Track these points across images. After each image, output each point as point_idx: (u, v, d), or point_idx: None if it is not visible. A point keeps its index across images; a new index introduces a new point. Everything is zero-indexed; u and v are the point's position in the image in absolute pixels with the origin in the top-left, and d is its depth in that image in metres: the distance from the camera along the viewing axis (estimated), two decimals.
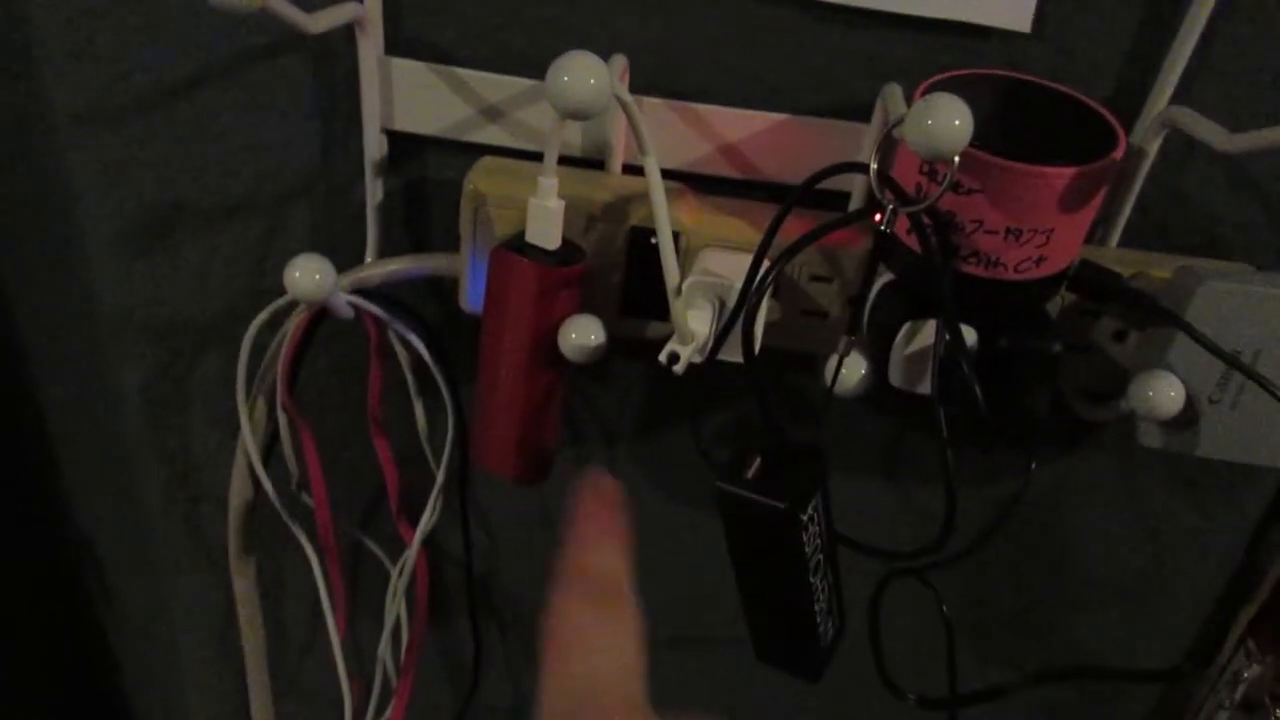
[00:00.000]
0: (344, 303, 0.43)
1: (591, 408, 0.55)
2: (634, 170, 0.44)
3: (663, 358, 0.35)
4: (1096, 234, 0.44)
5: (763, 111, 0.43)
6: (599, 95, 0.30)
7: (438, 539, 0.61)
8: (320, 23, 0.36)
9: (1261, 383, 0.37)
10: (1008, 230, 0.34)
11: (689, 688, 0.66)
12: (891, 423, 0.52)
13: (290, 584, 0.64)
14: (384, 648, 0.56)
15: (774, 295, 0.42)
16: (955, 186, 0.34)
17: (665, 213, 0.34)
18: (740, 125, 0.43)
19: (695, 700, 0.67)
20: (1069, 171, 0.33)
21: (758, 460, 0.36)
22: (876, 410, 0.52)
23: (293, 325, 0.45)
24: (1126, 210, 0.42)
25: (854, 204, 0.43)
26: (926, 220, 0.34)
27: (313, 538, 0.52)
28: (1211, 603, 0.65)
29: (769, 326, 0.42)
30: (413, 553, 0.51)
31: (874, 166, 0.33)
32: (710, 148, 0.43)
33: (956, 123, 0.29)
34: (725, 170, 0.44)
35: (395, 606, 0.55)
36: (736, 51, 0.42)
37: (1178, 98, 0.41)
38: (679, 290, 0.35)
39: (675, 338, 0.35)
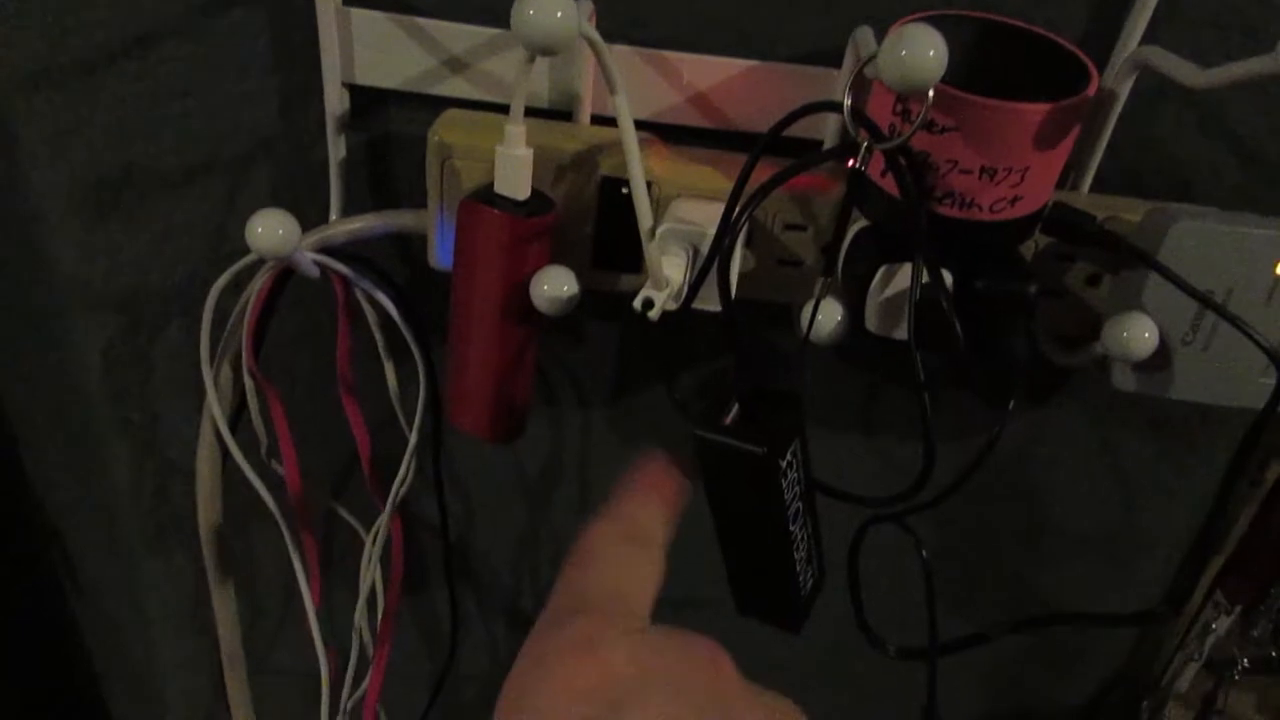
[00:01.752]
0: (309, 261, 0.42)
1: (565, 368, 0.54)
2: (603, 121, 0.43)
3: (637, 304, 0.35)
4: (1069, 179, 0.43)
5: (732, 58, 0.42)
6: (566, 28, 0.29)
7: (413, 506, 0.60)
8: None
9: (1234, 321, 0.37)
10: (982, 169, 0.34)
11: None
12: (869, 375, 0.52)
13: (262, 555, 0.63)
14: (360, 617, 0.55)
15: (748, 245, 0.41)
16: (930, 125, 0.34)
17: (637, 153, 0.33)
18: (710, 73, 0.42)
19: None
20: (1044, 108, 0.33)
21: (735, 406, 0.35)
22: (854, 362, 0.52)
23: (257, 287, 0.44)
24: (1098, 154, 0.42)
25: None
26: (902, 158, 0.33)
27: (284, 507, 0.51)
28: (1182, 553, 0.66)
29: (743, 277, 0.42)
30: (385, 519, 0.51)
31: (847, 103, 0.33)
32: (680, 97, 0.43)
33: (931, 53, 0.28)
34: (696, 119, 0.43)
35: (370, 575, 0.54)
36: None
37: (1146, 42, 0.40)
38: (653, 234, 0.34)
39: (649, 283, 0.35)
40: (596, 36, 0.32)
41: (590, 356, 0.53)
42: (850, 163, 0.34)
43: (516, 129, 0.36)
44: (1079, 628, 0.60)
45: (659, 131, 0.43)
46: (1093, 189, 0.44)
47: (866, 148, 0.33)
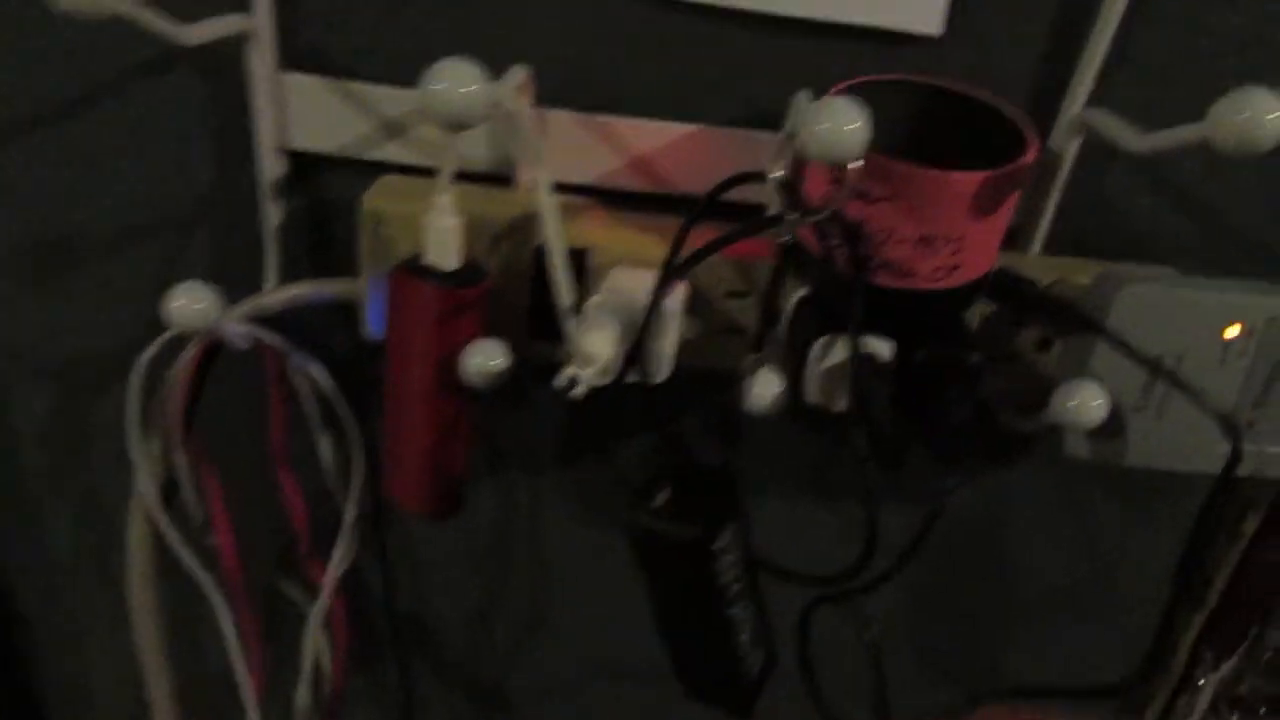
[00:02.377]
0: (236, 332, 0.41)
1: (515, 435, 0.52)
2: None
3: (560, 383, 0.33)
4: (1018, 241, 0.42)
5: (675, 123, 0.41)
6: (474, 103, 0.28)
7: (361, 580, 0.58)
8: (197, 34, 0.34)
9: (1184, 388, 0.36)
10: (919, 238, 0.33)
11: (615, 713, 0.64)
12: (827, 441, 0.51)
13: (204, 634, 0.60)
14: (301, 698, 0.53)
15: (690, 312, 0.40)
16: (863, 195, 0.33)
17: (557, 226, 0.32)
18: (652, 137, 0.41)
19: None
20: (977, 176, 0.32)
21: (666, 488, 0.34)
22: (812, 429, 0.50)
23: (186, 359, 0.43)
24: (1047, 216, 0.41)
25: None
26: (832, 229, 0.32)
27: (222, 584, 0.49)
28: (1158, 612, 0.64)
29: (686, 345, 0.40)
30: (324, 595, 0.49)
31: (772, 174, 0.32)
32: (622, 161, 0.42)
33: (852, 126, 0.27)
34: (638, 184, 0.42)
35: (310, 653, 0.52)
36: (647, 62, 0.41)
37: (1096, 101, 0.40)
38: (574, 309, 0.33)
39: (574, 361, 0.33)
40: (517, 106, 0.31)
41: (539, 423, 0.52)
42: (787, 236, 0.33)
43: (444, 198, 0.35)
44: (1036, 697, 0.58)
45: (600, 196, 0.42)
46: (1044, 251, 0.43)
47: (794, 219, 0.32)
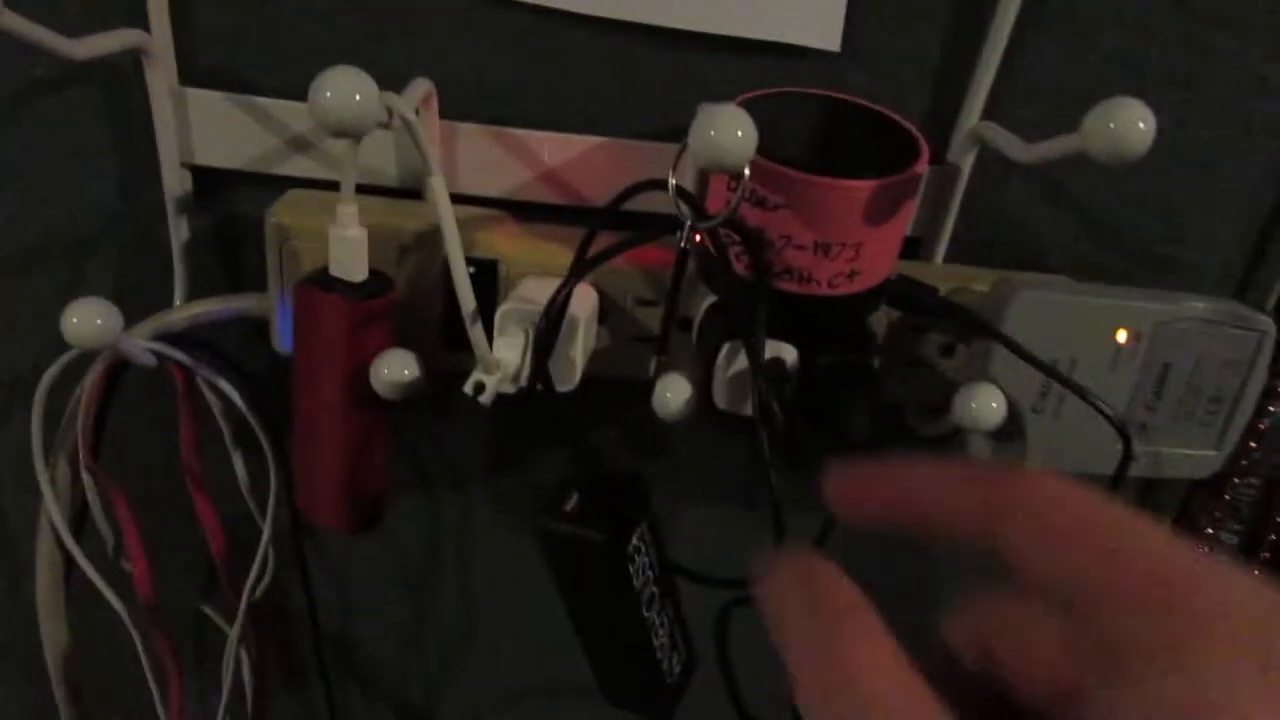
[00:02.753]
0: (140, 350, 0.40)
1: (437, 447, 0.52)
2: (457, 199, 0.42)
3: (468, 388, 0.33)
4: (921, 251, 0.44)
5: (584, 135, 0.42)
6: (364, 111, 0.28)
7: (285, 600, 0.57)
8: (87, 49, 0.34)
9: (1077, 390, 0.37)
10: (816, 245, 0.34)
11: None
12: (738, 445, 0.51)
13: (122, 662, 0.59)
14: None
15: (601, 322, 0.41)
16: (762, 202, 0.34)
17: (453, 229, 0.33)
18: (561, 150, 0.42)
19: None
20: (870, 184, 0.33)
21: (575, 494, 0.34)
22: (733, 432, 0.51)
23: (90, 379, 0.42)
24: (949, 227, 0.43)
25: None
26: (726, 235, 0.33)
27: (137, 611, 0.48)
28: None
29: (597, 354, 0.41)
30: (240, 617, 0.48)
31: (671, 182, 0.32)
32: (531, 174, 0.42)
33: (739, 134, 0.28)
34: (548, 196, 0.43)
35: (229, 676, 0.51)
36: (555, 77, 0.41)
37: (991, 116, 0.41)
38: (475, 317, 0.33)
39: (479, 366, 0.34)
40: (412, 117, 0.31)
41: (462, 434, 0.51)
42: (684, 242, 0.33)
43: (347, 209, 0.35)
44: None
45: (511, 209, 0.42)
46: (947, 259, 0.44)
47: (689, 226, 0.32)
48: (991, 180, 0.43)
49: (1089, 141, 0.30)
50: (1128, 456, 0.38)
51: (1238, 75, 0.41)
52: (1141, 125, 0.29)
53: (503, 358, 0.34)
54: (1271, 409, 0.56)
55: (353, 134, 0.29)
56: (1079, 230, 0.44)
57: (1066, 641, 0.19)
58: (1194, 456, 0.41)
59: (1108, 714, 0.18)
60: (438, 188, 0.32)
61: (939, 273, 0.42)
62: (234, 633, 0.49)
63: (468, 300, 0.33)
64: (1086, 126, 0.30)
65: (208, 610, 0.54)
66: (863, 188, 0.33)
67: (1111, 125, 0.29)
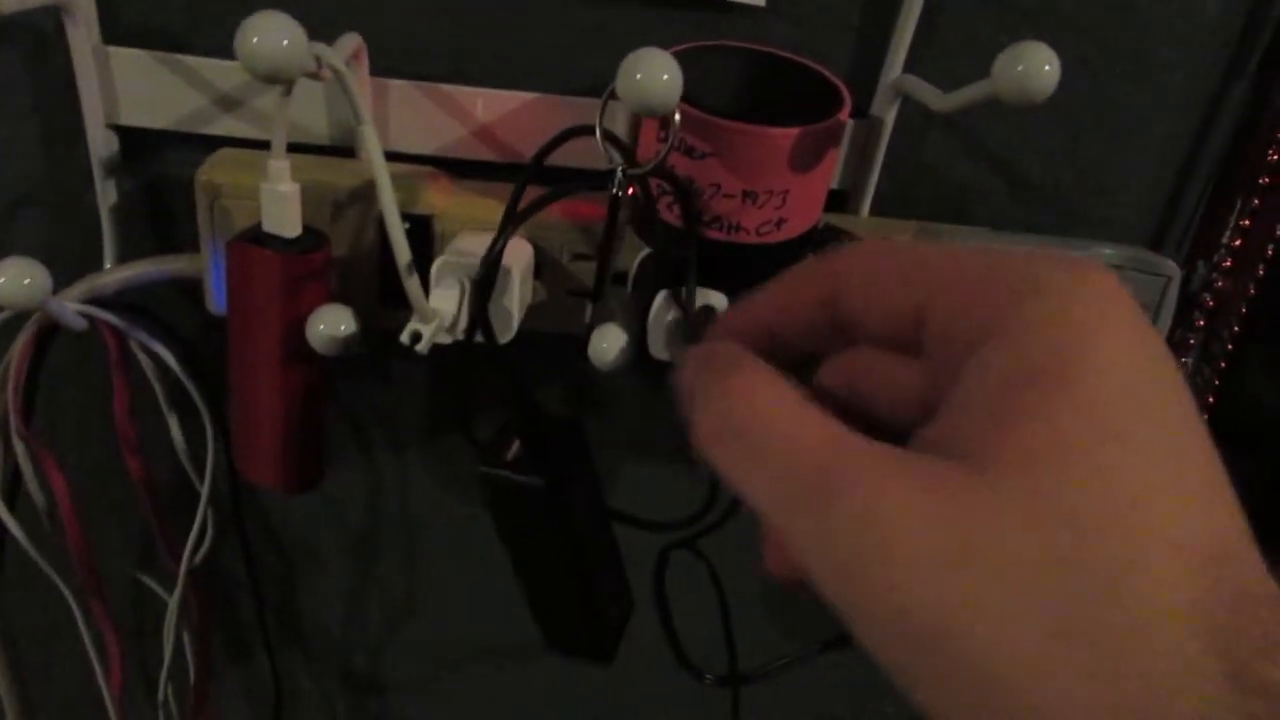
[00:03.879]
0: (70, 313, 0.40)
1: (377, 412, 0.52)
2: (392, 157, 0.42)
3: (404, 337, 0.34)
4: (849, 204, 0.45)
5: (516, 91, 0.42)
6: (292, 57, 0.28)
7: (225, 568, 0.57)
8: (6, 5, 0.33)
9: None
10: (744, 193, 0.35)
11: (492, 690, 0.64)
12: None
13: (61, 633, 0.58)
14: (163, 691, 0.52)
15: (538, 277, 0.41)
16: (690, 151, 0.34)
17: (387, 180, 0.33)
18: (493, 106, 0.42)
19: (498, 704, 0.65)
20: (794, 131, 0.34)
21: (516, 441, 0.34)
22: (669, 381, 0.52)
23: (20, 343, 0.41)
24: (873, 180, 0.44)
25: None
26: (657, 186, 0.33)
27: (74, 580, 0.48)
28: None
29: (534, 308, 0.41)
30: (180, 583, 0.48)
31: (599, 128, 0.33)
32: (465, 130, 0.42)
33: (665, 76, 0.29)
34: (482, 153, 0.43)
35: (170, 645, 0.51)
36: (484, 32, 0.41)
37: (913, 69, 0.42)
38: (410, 266, 0.34)
39: (416, 316, 0.34)
40: (340, 65, 0.31)
41: (401, 397, 0.52)
42: (616, 188, 0.34)
43: (279, 164, 0.35)
44: None
45: (444, 166, 0.43)
46: (873, 212, 0.45)
47: (621, 173, 0.33)
48: (913, 135, 0.44)
49: (999, 85, 0.31)
50: None
51: (1146, 28, 0.43)
52: (1047, 68, 0.30)
53: (439, 308, 0.34)
54: (1184, 360, 0.59)
55: (281, 79, 0.29)
56: (999, 184, 0.46)
57: (921, 374, 0.20)
58: None
59: (959, 418, 0.18)
60: (368, 136, 0.32)
61: (865, 224, 0.44)
62: (174, 600, 0.49)
63: (401, 248, 0.33)
64: (996, 70, 0.32)
65: (146, 579, 0.54)
66: (787, 135, 0.34)
67: (1020, 68, 0.31)
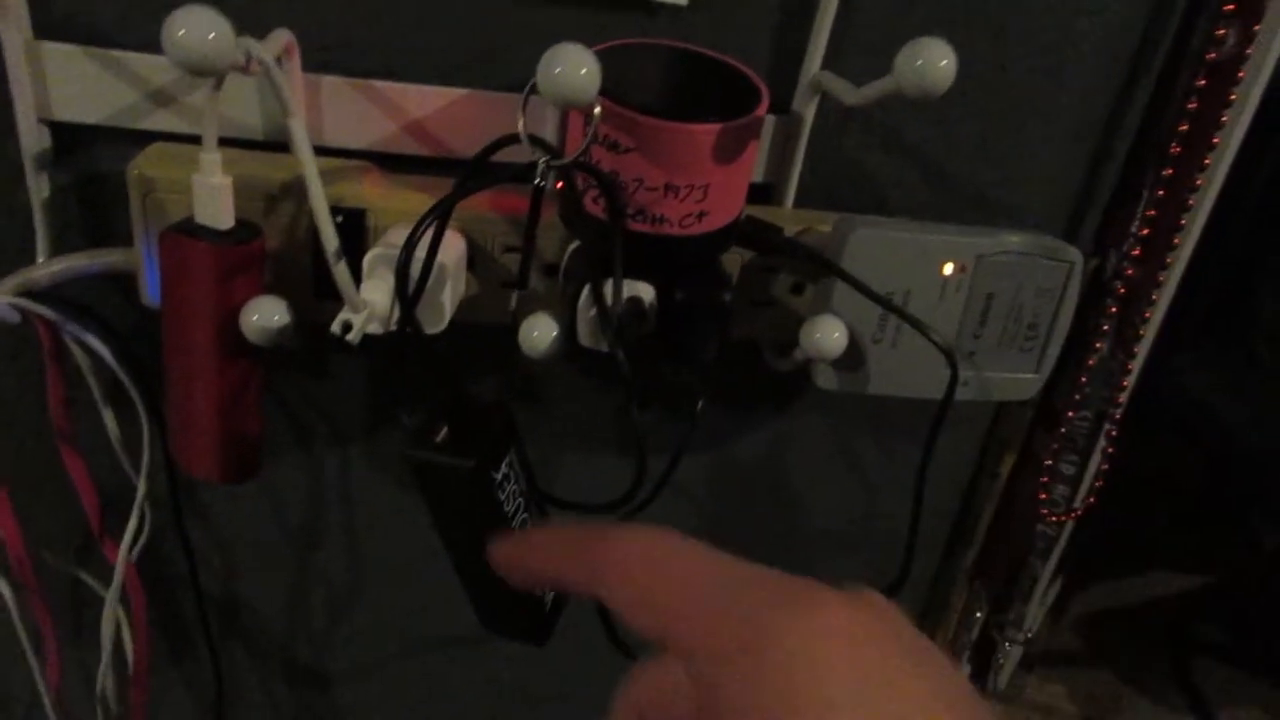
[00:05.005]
0: (3, 305, 0.40)
1: (315, 405, 0.53)
2: (324, 151, 0.43)
3: (335, 327, 0.35)
4: (773, 197, 0.47)
5: (448, 87, 0.43)
6: (219, 50, 0.29)
7: (165, 562, 0.57)
8: None
9: (908, 319, 0.41)
10: (666, 186, 0.36)
11: (436, 677, 0.65)
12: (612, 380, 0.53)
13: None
14: (101, 686, 0.52)
15: (470, 269, 0.42)
16: (614, 146, 0.36)
17: (314, 170, 0.34)
18: (425, 102, 0.43)
19: (442, 692, 0.66)
20: (713, 128, 0.35)
21: (445, 425, 0.36)
22: (599, 369, 0.53)
23: None
24: (796, 173, 0.46)
25: None
26: (584, 180, 0.35)
27: (9, 575, 0.48)
28: (939, 550, 0.71)
29: (469, 300, 0.42)
30: (118, 578, 0.48)
31: (521, 122, 0.34)
32: (397, 126, 0.43)
33: (583, 70, 0.30)
34: (415, 148, 0.44)
35: (109, 639, 0.51)
36: (415, 30, 0.42)
37: (832, 66, 0.44)
38: (339, 255, 0.35)
39: (346, 307, 0.35)
40: (268, 59, 0.32)
41: (339, 389, 0.52)
42: (539, 179, 0.35)
43: (210, 157, 0.36)
44: None
45: (378, 160, 0.44)
46: (797, 204, 0.47)
47: (545, 165, 0.34)
48: (834, 129, 0.46)
49: (901, 79, 0.33)
50: (954, 381, 0.42)
51: (1049, 26, 0.45)
52: (944, 62, 0.32)
53: (370, 299, 0.35)
54: (1098, 345, 0.62)
55: (209, 72, 0.30)
56: (916, 175, 0.48)
57: (695, 698, 0.21)
58: (1017, 380, 0.46)
59: None
60: (296, 129, 0.33)
61: (789, 216, 0.45)
62: (111, 595, 0.50)
63: (330, 237, 0.34)
64: (897, 65, 0.33)
65: (84, 574, 0.54)
66: (707, 131, 0.35)
67: (919, 63, 0.32)
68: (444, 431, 0.36)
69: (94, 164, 0.44)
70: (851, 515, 0.62)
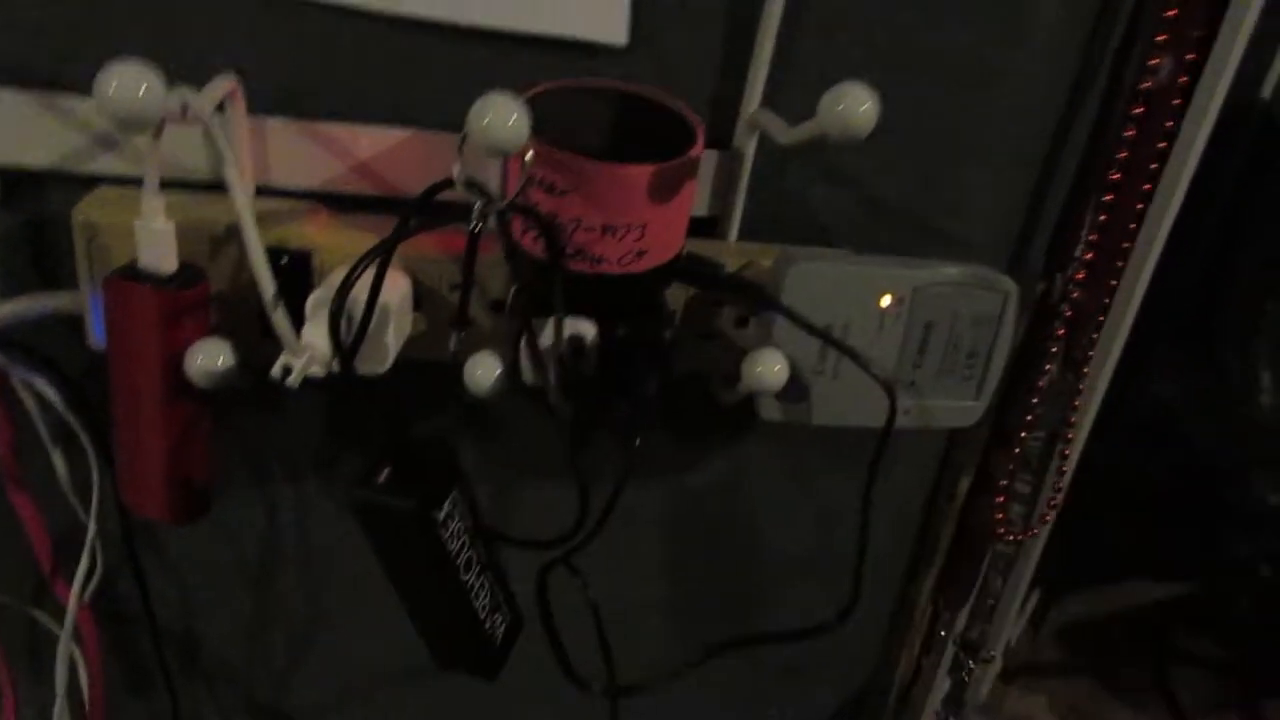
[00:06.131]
0: None
1: (271, 442, 0.53)
2: (270, 192, 0.44)
3: (275, 371, 0.35)
4: (717, 230, 0.47)
5: (393, 128, 0.43)
6: (150, 104, 0.29)
7: (121, 600, 0.57)
8: None
9: (847, 352, 0.41)
10: (604, 227, 0.37)
11: (398, 712, 0.65)
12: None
13: None
14: None
15: (417, 308, 0.43)
16: (551, 188, 0.36)
17: (252, 220, 0.34)
18: (372, 143, 0.43)
19: None
20: (647, 169, 0.36)
21: (388, 466, 0.36)
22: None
23: None
24: (739, 207, 0.46)
25: None
26: (529, 221, 0.35)
27: None
28: (900, 573, 0.72)
29: (414, 339, 0.43)
30: (70, 618, 0.48)
31: (456, 169, 0.35)
32: (344, 166, 0.44)
33: (511, 121, 0.31)
34: (364, 188, 0.44)
35: (62, 680, 0.51)
36: (359, 71, 0.43)
37: (773, 103, 0.45)
38: (276, 300, 0.35)
39: (286, 350, 0.35)
40: (204, 110, 0.33)
41: (294, 425, 0.53)
42: (475, 225, 0.36)
43: (153, 201, 0.36)
44: (804, 645, 0.64)
45: (327, 200, 0.44)
46: (741, 236, 0.48)
47: (480, 209, 0.35)
48: (776, 162, 0.47)
49: (824, 124, 0.34)
50: (893, 410, 0.43)
51: (986, 57, 0.46)
52: (864, 107, 0.33)
53: (312, 342, 0.36)
54: (1048, 367, 0.63)
55: (142, 126, 0.30)
56: (859, 207, 0.49)
57: None
58: (958, 407, 0.46)
59: None
60: (231, 176, 0.34)
61: (733, 249, 0.46)
62: (64, 634, 0.49)
63: (265, 283, 0.34)
64: (820, 110, 0.34)
65: (39, 614, 0.54)
66: (640, 172, 0.36)
67: (840, 108, 0.33)
68: (386, 472, 0.36)
69: (42, 207, 0.44)
70: (810, 541, 0.62)
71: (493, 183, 0.38)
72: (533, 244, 0.38)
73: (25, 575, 0.55)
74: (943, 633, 0.81)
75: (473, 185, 0.35)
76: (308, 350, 0.35)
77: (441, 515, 0.36)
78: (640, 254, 0.38)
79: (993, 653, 0.80)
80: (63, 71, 0.41)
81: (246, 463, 0.53)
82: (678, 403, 0.51)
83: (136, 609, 0.57)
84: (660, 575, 0.61)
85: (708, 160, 0.45)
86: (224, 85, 0.38)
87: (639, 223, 0.37)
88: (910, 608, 0.78)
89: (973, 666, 0.82)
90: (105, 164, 0.42)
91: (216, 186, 0.43)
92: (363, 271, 0.34)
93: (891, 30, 0.45)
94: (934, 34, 0.45)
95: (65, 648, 0.50)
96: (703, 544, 0.60)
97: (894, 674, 0.83)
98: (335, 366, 0.37)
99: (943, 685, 0.82)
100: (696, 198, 0.46)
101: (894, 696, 0.84)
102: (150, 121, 0.30)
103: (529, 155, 0.33)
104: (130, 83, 0.29)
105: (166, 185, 0.39)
